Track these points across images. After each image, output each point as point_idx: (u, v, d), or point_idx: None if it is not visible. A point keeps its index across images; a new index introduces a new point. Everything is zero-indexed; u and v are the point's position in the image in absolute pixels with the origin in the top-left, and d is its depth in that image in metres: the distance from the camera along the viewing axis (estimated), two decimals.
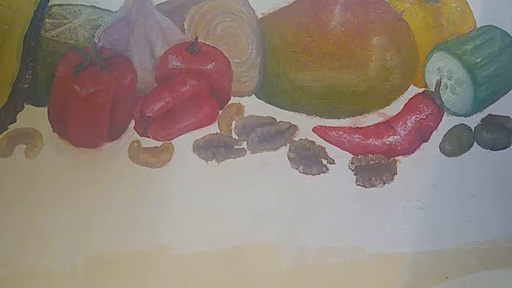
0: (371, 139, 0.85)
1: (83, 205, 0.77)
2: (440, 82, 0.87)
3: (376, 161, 0.85)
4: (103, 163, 0.78)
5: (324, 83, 0.83)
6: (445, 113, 0.87)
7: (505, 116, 0.89)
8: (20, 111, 0.76)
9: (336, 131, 0.84)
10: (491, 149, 0.89)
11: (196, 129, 0.81)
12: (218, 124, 0.82)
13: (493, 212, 0.88)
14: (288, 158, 0.83)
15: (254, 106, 0.82)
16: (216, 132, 0.81)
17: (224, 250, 0.80)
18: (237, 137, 0.82)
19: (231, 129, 0.82)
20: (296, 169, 0.83)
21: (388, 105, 0.86)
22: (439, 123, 0.87)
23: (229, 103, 0.82)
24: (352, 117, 0.85)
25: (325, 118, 0.84)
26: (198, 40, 0.81)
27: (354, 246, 0.84)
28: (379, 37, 0.85)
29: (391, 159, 0.86)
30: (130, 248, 0.78)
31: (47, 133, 0.77)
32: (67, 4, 0.77)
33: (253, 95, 0.83)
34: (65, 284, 0.77)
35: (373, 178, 0.85)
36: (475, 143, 0.88)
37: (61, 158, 0.77)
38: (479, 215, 0.87)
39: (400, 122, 0.86)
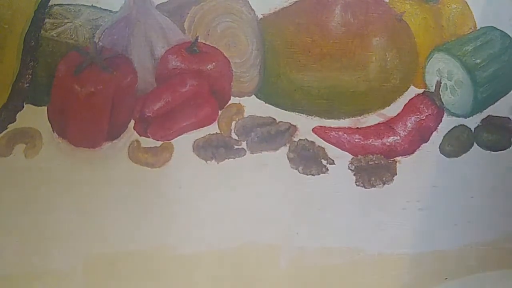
0: (371, 140, 0.85)
1: (83, 205, 0.77)
2: (440, 83, 0.87)
3: (376, 162, 0.85)
4: (103, 163, 0.78)
5: (324, 84, 0.83)
6: (445, 114, 0.87)
7: (505, 117, 0.89)
8: (20, 110, 0.76)
9: (336, 132, 0.84)
10: (491, 150, 0.89)
11: (196, 129, 0.81)
12: (218, 124, 0.82)
13: (493, 213, 0.88)
14: (288, 159, 0.83)
15: (254, 106, 0.82)
16: (216, 132, 0.81)
17: (224, 250, 0.80)
18: (237, 137, 0.82)
19: (231, 129, 0.82)
20: (296, 169, 0.83)
21: (388, 106, 0.86)
22: (439, 124, 0.87)
23: (229, 103, 0.82)
24: (352, 117, 0.85)
25: (325, 119, 0.84)
26: (198, 40, 0.81)
27: (354, 246, 0.84)
28: (379, 38, 0.85)
29: (391, 159, 0.86)
30: (130, 248, 0.78)
31: (47, 133, 0.77)
32: (67, 4, 0.77)
33: (253, 95, 0.83)
34: (65, 284, 0.77)
35: (373, 178, 0.85)
36: (475, 144, 0.88)
37: (61, 158, 0.77)
38: (479, 215, 0.87)
39: (400, 123, 0.86)
